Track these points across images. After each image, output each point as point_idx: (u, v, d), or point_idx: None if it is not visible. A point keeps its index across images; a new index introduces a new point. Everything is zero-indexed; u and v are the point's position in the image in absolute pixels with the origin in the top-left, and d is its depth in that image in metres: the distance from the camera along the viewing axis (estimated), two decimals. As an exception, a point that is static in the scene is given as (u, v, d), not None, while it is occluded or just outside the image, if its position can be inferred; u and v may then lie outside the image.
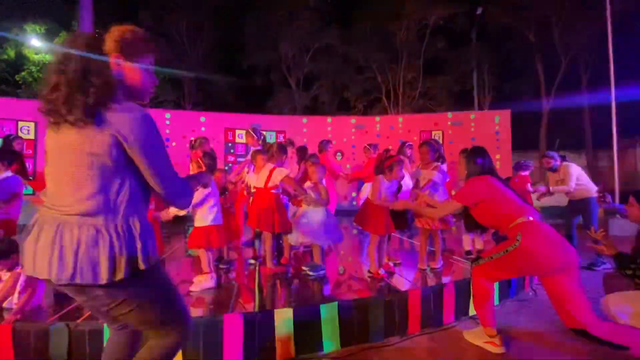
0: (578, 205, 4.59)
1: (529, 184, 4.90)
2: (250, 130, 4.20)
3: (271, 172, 3.30)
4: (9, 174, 3.41)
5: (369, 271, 3.30)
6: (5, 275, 2.48)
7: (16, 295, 2.44)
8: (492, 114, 9.46)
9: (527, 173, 4.95)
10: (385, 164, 3.28)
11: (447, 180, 3.81)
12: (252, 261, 3.78)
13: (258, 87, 15.45)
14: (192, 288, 2.90)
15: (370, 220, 3.27)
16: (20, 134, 6.88)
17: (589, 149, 15.99)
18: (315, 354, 2.44)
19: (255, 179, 3.49)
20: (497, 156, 8.86)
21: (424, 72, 15.04)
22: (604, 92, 13.32)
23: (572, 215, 4.67)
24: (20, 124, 6.95)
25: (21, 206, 3.71)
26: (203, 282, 2.95)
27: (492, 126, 9.05)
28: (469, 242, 4.05)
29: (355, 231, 5.72)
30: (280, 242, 3.77)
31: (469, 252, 3.98)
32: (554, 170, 4.74)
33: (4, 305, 2.45)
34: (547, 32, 14.74)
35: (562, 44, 14.63)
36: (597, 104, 14.42)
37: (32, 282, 2.50)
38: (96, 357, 2.22)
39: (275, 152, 3.33)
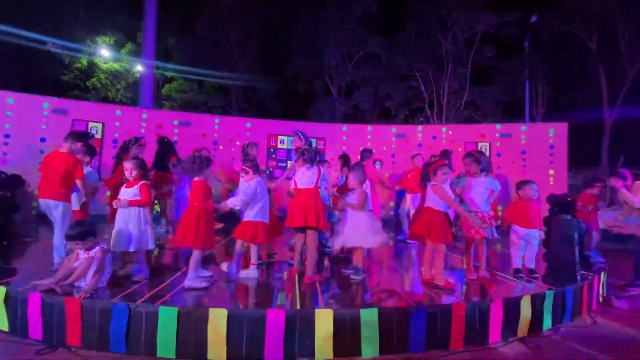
0: None
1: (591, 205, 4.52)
2: (299, 134, 4.33)
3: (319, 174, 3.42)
4: (89, 169, 3.84)
5: (436, 284, 3.18)
6: (83, 255, 2.78)
7: (89, 277, 2.72)
8: (546, 127, 8.85)
9: (595, 192, 4.58)
10: (430, 169, 3.28)
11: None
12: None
13: (300, 95, 15.83)
14: (241, 274, 3.09)
15: (438, 229, 3.19)
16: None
17: (659, 168, 14.36)
18: (354, 358, 2.43)
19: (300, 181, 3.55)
20: (551, 172, 8.28)
21: (471, 82, 14.49)
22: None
23: None
24: (90, 124, 7.73)
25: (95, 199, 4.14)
26: (248, 272, 3.13)
27: (545, 140, 8.47)
28: (519, 259, 3.81)
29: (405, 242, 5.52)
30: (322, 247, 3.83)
31: (518, 271, 3.74)
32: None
33: (75, 284, 2.73)
34: (611, 39, 13.57)
35: (629, 52, 13.37)
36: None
37: (102, 267, 2.77)
38: (151, 335, 2.40)
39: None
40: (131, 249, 3.09)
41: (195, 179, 3.12)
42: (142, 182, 3.20)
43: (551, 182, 8.07)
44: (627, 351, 2.73)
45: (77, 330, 2.49)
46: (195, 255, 3.00)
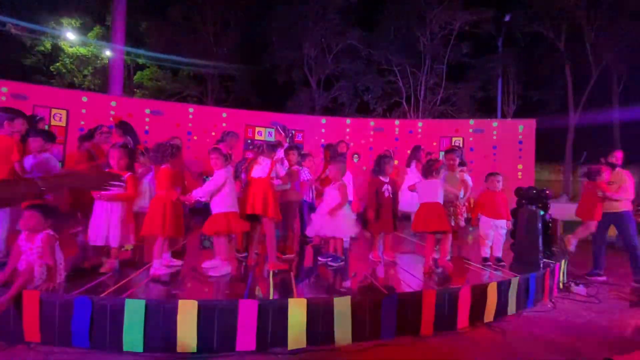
0: (612, 218, 4.41)
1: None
2: (279, 128, 4.26)
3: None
4: (47, 154, 3.60)
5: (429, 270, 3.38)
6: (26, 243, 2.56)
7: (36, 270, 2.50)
8: (516, 123, 9.23)
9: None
10: (434, 166, 3.51)
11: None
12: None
13: (279, 86, 15.62)
14: (211, 273, 3.00)
15: (444, 220, 3.42)
16: (53, 120, 7.21)
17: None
18: (327, 346, 2.45)
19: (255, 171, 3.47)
20: (520, 166, 8.65)
21: (447, 78, 14.82)
22: (636, 107, 12.81)
23: (605, 228, 4.50)
24: (54, 111, 7.27)
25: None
26: (219, 268, 3.05)
27: (515, 136, 8.83)
28: (487, 249, 3.96)
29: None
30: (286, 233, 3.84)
31: (485, 259, 3.89)
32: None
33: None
34: (578, 42, 14.26)
35: (594, 55, 14.11)
36: (629, 118, 13.88)
37: (46, 258, 2.54)
38: (116, 331, 2.30)
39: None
40: (113, 245, 2.96)
41: (162, 166, 3.01)
42: (128, 173, 3.05)
43: (520, 176, 8.43)
44: (584, 333, 2.91)
45: (35, 325, 2.35)
46: (159, 243, 2.91)
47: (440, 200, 3.45)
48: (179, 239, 3.92)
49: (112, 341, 2.31)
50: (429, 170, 3.52)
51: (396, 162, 6.46)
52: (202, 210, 4.21)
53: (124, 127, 4.41)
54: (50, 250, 2.51)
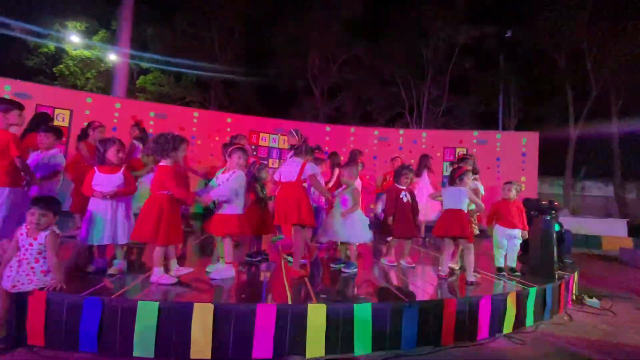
0: None
1: None
2: (292, 131, 4.20)
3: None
4: (56, 150, 3.52)
5: (470, 281, 3.30)
6: (25, 238, 2.39)
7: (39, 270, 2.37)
8: (520, 135, 9.27)
9: None
10: (457, 174, 3.49)
11: None
12: (289, 257, 3.65)
13: (283, 94, 15.67)
14: (213, 276, 2.90)
15: (469, 229, 3.41)
16: (56, 121, 7.12)
17: (616, 180, 15.42)
18: (346, 355, 2.34)
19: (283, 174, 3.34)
20: (523, 178, 8.63)
21: (449, 91, 14.98)
22: (635, 122, 12.98)
23: None
24: (57, 111, 7.19)
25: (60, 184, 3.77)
26: (222, 271, 2.95)
27: (518, 148, 8.87)
28: (501, 258, 3.89)
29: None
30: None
31: (500, 269, 3.82)
32: None
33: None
34: (578, 58, 14.50)
35: (594, 71, 14.34)
36: (628, 133, 14.05)
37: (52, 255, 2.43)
38: (127, 333, 2.19)
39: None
40: (121, 242, 2.85)
41: (162, 163, 2.76)
42: (123, 168, 2.91)
43: (523, 189, 8.41)
44: (604, 346, 2.83)
45: (40, 327, 2.23)
46: (157, 250, 2.71)
47: (464, 207, 3.44)
48: (177, 245, 3.78)
49: (122, 346, 2.20)
50: (452, 177, 3.55)
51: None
52: (201, 215, 4.08)
53: (139, 128, 4.41)
54: (54, 248, 2.38)
